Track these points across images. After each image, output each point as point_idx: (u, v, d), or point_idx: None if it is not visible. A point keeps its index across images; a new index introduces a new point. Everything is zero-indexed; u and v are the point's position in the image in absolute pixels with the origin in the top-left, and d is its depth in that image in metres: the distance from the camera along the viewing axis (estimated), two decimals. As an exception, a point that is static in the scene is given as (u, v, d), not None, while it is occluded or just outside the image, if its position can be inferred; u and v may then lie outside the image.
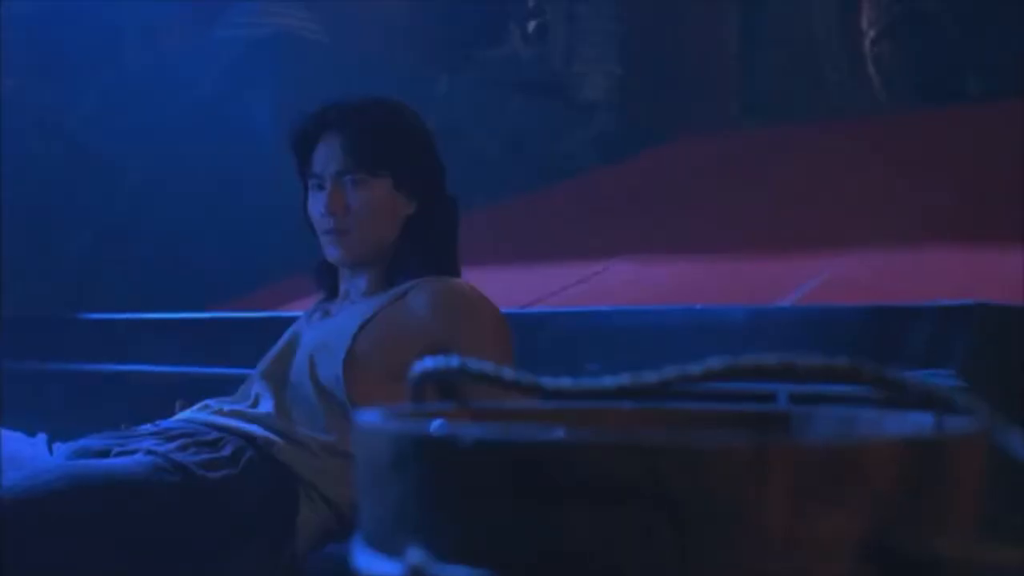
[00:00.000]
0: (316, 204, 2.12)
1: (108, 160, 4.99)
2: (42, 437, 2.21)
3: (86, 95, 5.09)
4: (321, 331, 2.09)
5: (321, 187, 2.11)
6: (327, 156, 2.10)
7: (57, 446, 2.15)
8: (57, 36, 5.02)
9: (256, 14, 5.24)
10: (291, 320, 2.26)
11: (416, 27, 5.89)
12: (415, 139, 2.14)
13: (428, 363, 0.85)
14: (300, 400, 2.01)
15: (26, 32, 4.86)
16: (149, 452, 1.88)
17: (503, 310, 2.07)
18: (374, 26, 5.68)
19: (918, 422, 0.79)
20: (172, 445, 1.90)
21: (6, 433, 2.18)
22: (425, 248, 2.12)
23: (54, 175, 4.89)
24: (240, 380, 2.16)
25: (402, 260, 2.11)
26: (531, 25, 6.29)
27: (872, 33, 5.69)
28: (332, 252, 2.12)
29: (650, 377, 0.78)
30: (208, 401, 2.09)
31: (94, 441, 1.98)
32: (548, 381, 0.81)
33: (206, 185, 4.90)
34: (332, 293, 2.22)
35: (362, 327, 2.01)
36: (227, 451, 1.91)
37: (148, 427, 2.01)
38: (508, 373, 0.82)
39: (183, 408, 2.15)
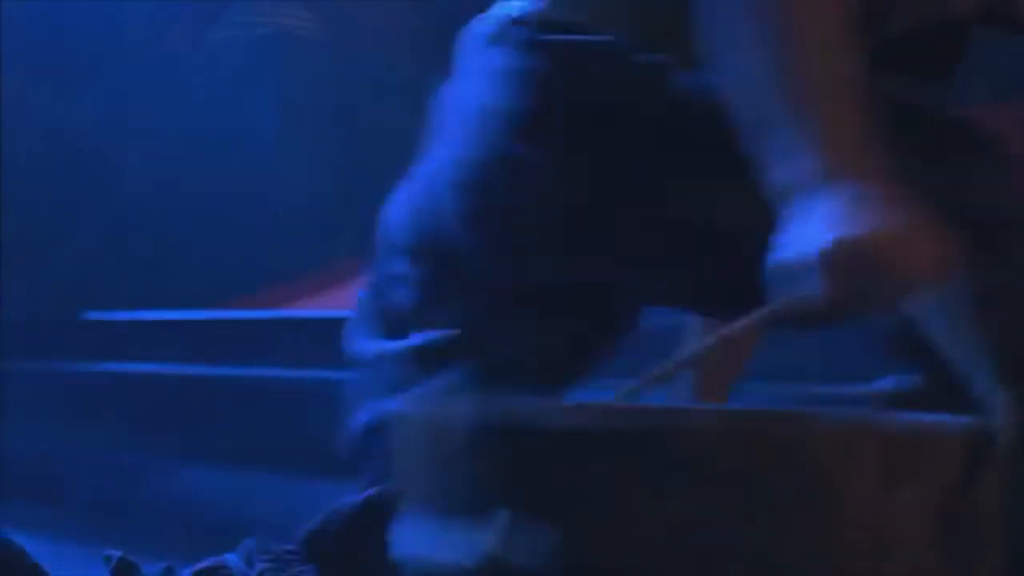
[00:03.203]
0: None
1: (108, 160, 4.99)
2: None
3: (86, 96, 5.09)
4: None
5: None
6: None
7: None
8: (57, 37, 5.02)
9: (256, 14, 5.23)
10: (290, 320, 2.23)
11: (416, 27, 5.88)
12: None
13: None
14: None
15: (26, 34, 4.86)
16: None
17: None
18: (374, 26, 5.68)
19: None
20: None
21: None
22: None
23: (54, 176, 4.88)
24: (240, 380, 2.14)
25: None
26: (531, 26, 6.29)
27: (872, 34, 5.68)
28: None
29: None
30: None
31: None
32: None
33: (206, 185, 4.89)
34: None
35: None
36: None
37: None
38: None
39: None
